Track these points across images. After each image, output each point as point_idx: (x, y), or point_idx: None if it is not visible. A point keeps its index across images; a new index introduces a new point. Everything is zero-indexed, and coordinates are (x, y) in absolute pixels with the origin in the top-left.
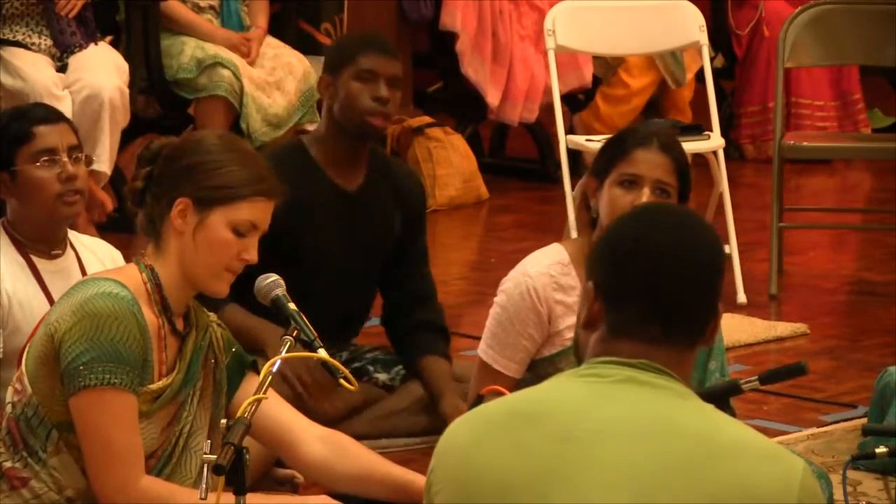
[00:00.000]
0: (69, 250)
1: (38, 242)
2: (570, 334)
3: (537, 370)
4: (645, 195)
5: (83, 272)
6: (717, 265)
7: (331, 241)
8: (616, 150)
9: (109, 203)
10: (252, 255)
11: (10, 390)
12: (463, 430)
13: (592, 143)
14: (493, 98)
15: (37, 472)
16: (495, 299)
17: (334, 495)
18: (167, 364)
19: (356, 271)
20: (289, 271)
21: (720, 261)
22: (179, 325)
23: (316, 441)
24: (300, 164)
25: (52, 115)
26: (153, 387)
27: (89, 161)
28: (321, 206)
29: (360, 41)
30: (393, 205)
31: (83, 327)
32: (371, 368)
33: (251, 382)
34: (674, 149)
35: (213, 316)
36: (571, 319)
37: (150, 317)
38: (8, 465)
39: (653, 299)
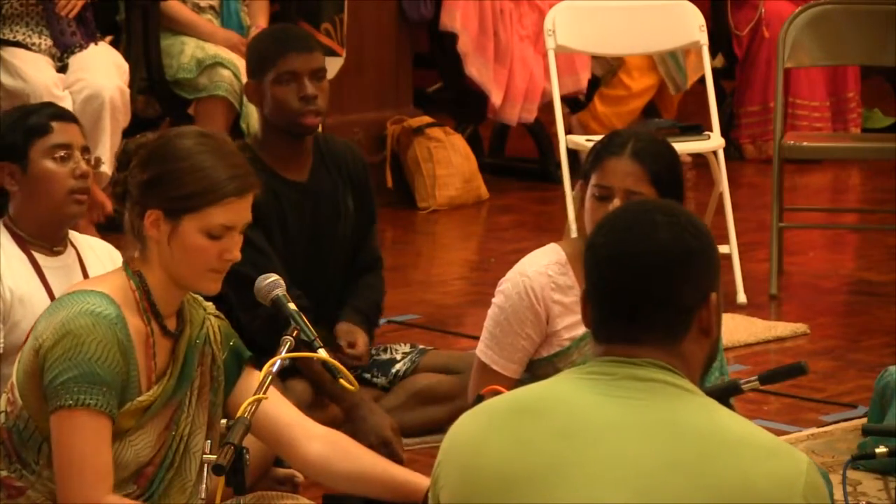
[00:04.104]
0: (70, 248)
1: (40, 239)
2: (567, 335)
3: (536, 371)
4: (615, 206)
5: (83, 269)
6: (675, 259)
7: (294, 233)
8: (593, 159)
9: (109, 204)
10: (234, 254)
11: (3, 399)
12: (468, 425)
13: (592, 144)
14: (497, 98)
15: (32, 483)
16: (493, 300)
17: (334, 494)
18: (157, 371)
19: (325, 258)
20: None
21: (682, 253)
22: (171, 324)
23: (316, 440)
24: (252, 163)
25: (67, 115)
26: (141, 399)
27: (98, 164)
28: (278, 200)
29: (275, 43)
30: (342, 183)
31: (63, 346)
32: (368, 375)
33: (250, 377)
34: (647, 155)
35: (209, 306)
36: (569, 319)
37: (137, 325)
38: (4, 473)
39: (605, 300)
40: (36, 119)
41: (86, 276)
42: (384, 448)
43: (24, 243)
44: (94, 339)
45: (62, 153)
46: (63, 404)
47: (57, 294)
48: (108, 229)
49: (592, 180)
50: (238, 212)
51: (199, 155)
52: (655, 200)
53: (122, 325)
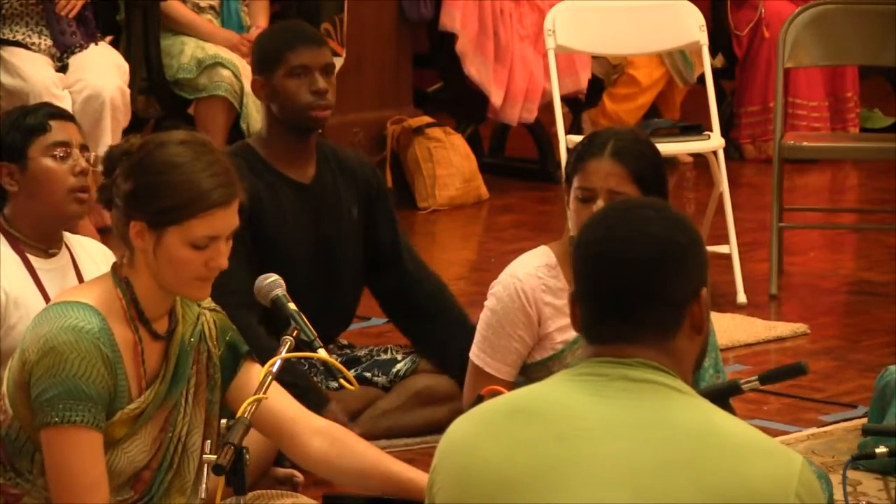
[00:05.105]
0: (64, 249)
1: (36, 240)
2: (560, 337)
3: (530, 375)
4: (599, 207)
5: (77, 271)
6: (666, 253)
7: (296, 235)
8: (574, 161)
9: (107, 214)
10: (221, 262)
11: None
12: (464, 428)
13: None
14: (496, 98)
15: (28, 490)
16: (485, 303)
17: (335, 494)
18: (148, 376)
19: (327, 265)
20: (258, 269)
21: (673, 247)
22: (161, 327)
23: (317, 435)
24: (252, 164)
25: (66, 113)
26: (132, 406)
27: (97, 162)
28: (280, 202)
29: (285, 37)
30: (347, 191)
31: (47, 363)
32: (368, 375)
33: (249, 372)
34: (628, 155)
35: (205, 300)
36: (560, 322)
37: (123, 334)
38: (0, 481)
39: (596, 299)
40: (34, 118)
41: (80, 277)
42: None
43: (18, 245)
44: (76, 355)
45: (61, 151)
46: (50, 421)
47: (52, 296)
48: (108, 230)
49: (575, 183)
50: (222, 221)
51: (180, 166)
52: (641, 198)
53: (107, 338)
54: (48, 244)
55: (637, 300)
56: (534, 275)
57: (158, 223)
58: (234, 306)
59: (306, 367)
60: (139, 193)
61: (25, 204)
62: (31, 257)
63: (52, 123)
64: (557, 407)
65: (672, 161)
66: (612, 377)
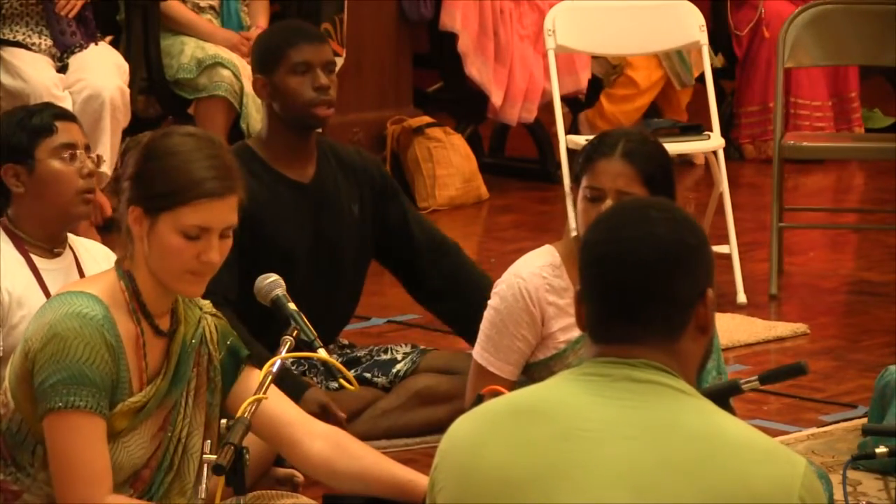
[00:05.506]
0: (68, 249)
1: (41, 240)
2: (563, 337)
3: (532, 374)
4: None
5: (80, 271)
6: (673, 253)
7: (295, 235)
8: (583, 160)
9: (108, 207)
10: (211, 257)
11: None
12: (466, 427)
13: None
14: (497, 98)
15: (28, 486)
16: (489, 302)
17: (335, 494)
18: (149, 372)
19: (327, 264)
20: (258, 270)
21: (680, 247)
22: (164, 324)
23: (317, 438)
24: (251, 165)
25: (69, 114)
26: (133, 399)
27: (100, 162)
28: (279, 202)
29: (286, 35)
30: (347, 189)
31: (51, 349)
32: (368, 375)
33: (249, 377)
34: (638, 156)
35: (206, 304)
36: (564, 321)
37: (126, 326)
38: (0, 477)
39: (602, 299)
40: (39, 119)
41: (82, 277)
42: (323, 413)
43: (22, 245)
44: (81, 340)
45: (68, 153)
46: (53, 407)
47: None
48: (107, 227)
49: (584, 182)
50: (213, 212)
51: (178, 154)
52: (649, 198)
53: (110, 326)
54: (53, 244)
55: (643, 301)
56: (538, 274)
57: (153, 209)
58: (213, 304)
59: (306, 367)
60: (139, 178)
61: (32, 205)
62: (34, 257)
63: (58, 124)
64: (561, 407)
65: (688, 161)
66: (615, 378)
